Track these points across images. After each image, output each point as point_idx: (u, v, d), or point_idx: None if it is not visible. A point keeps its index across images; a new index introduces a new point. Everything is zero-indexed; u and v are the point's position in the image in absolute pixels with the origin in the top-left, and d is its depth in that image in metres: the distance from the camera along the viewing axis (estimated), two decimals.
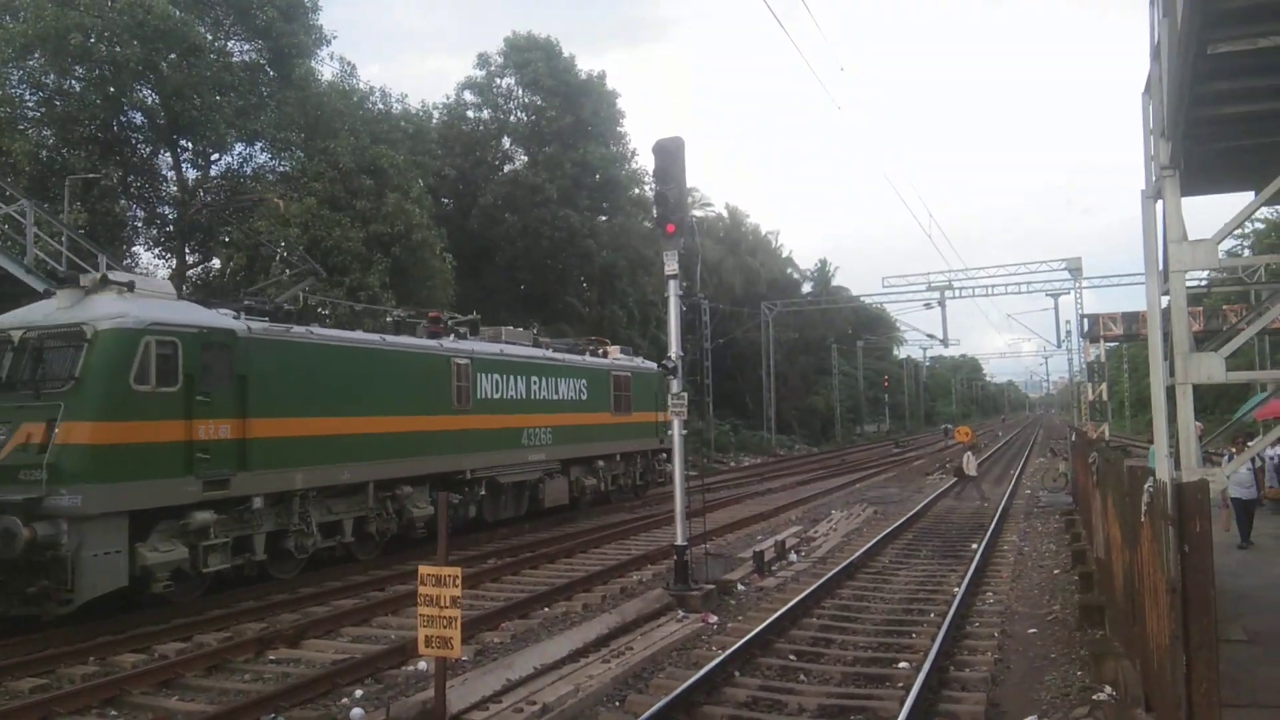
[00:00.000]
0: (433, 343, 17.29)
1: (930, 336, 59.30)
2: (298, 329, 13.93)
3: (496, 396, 18.68)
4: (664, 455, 25.20)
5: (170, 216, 29.56)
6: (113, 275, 12.51)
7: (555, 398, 21.05)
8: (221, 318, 12.79)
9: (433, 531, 11.86)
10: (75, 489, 10.44)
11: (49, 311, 11.94)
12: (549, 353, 21.52)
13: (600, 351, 24.54)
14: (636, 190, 44.77)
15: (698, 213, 58.80)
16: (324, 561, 14.53)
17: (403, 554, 15.61)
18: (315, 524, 13.86)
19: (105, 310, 11.52)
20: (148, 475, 11.25)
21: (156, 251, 30.50)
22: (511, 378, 19.36)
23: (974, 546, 16.29)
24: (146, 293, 12.41)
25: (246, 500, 12.56)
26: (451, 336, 18.30)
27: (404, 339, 16.76)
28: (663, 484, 25.47)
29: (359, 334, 16.15)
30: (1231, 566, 12.06)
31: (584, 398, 22.31)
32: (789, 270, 76.06)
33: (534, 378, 20.27)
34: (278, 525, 13.27)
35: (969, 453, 29.06)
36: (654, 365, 25.32)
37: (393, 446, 15.40)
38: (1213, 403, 39.40)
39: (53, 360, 11.37)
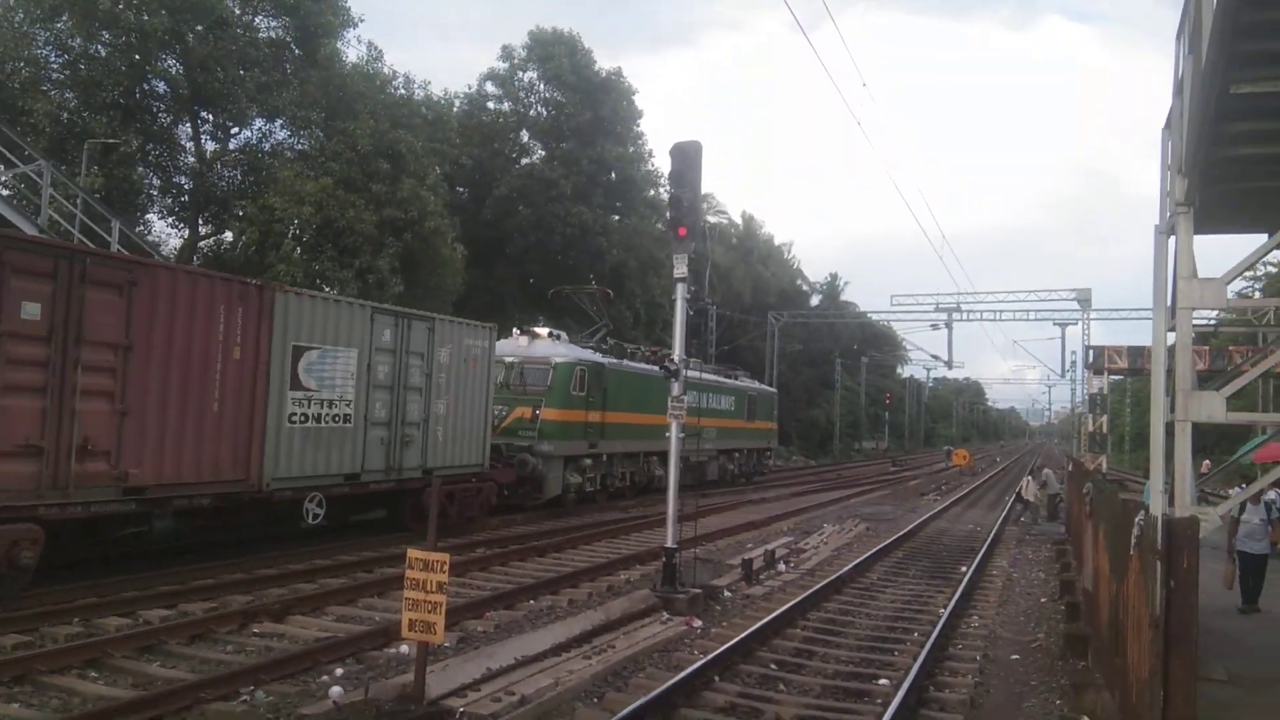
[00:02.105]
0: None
1: (935, 357, 59.39)
2: (627, 363, 24.58)
3: (694, 405, 24.87)
4: (769, 452, 39.70)
5: (186, 187, 29.65)
6: (544, 331, 23.12)
7: (719, 408, 31.15)
8: (597, 356, 23.07)
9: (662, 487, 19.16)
10: (549, 442, 20.72)
11: (522, 348, 21.99)
12: (717, 376, 31.90)
13: (735, 375, 34.98)
14: (651, 191, 44.78)
15: (711, 219, 58.90)
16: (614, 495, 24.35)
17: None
18: (624, 472, 24.61)
19: (556, 351, 22.05)
20: (572, 438, 21.74)
21: (170, 221, 30.65)
22: (699, 393, 26.83)
23: (963, 569, 16.27)
24: (567, 341, 23.08)
25: (603, 455, 23.23)
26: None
27: (652, 368, 23.48)
28: (764, 474, 38.00)
29: (644, 365, 24.74)
30: (1219, 605, 12.05)
31: (732, 409, 32.75)
32: (799, 282, 76.15)
33: (709, 393, 29.66)
34: (612, 471, 24.04)
35: (1028, 477, 28.99)
36: (770, 388, 41.15)
37: (651, 432, 24.14)
38: (1213, 443, 39.31)
39: (531, 376, 21.47)
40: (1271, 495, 19.89)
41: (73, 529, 11.31)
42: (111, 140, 24.93)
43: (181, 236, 30.59)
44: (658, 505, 21.31)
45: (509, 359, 21.24)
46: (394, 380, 15.77)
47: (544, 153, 43.00)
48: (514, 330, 23.33)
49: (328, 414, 14.41)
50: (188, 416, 12.15)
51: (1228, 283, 9.20)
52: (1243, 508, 12.58)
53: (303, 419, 13.96)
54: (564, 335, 23.78)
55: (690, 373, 26.80)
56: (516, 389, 21.33)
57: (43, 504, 10.44)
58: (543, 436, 20.84)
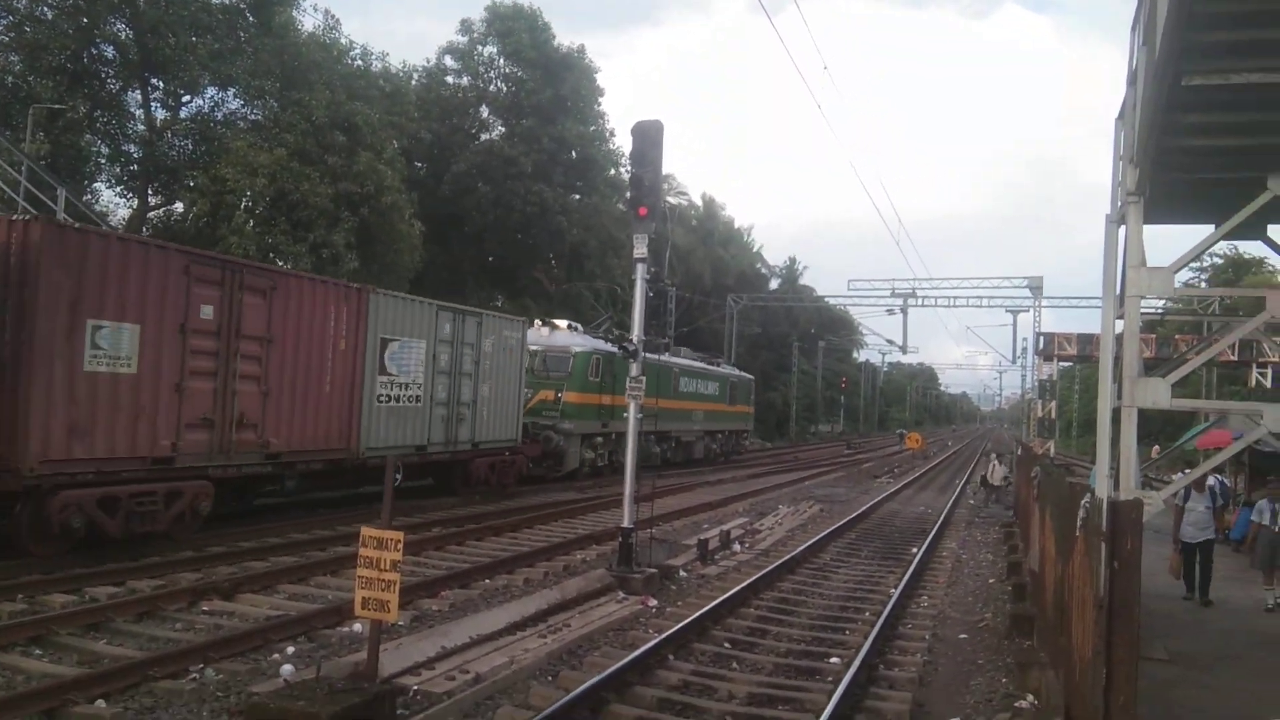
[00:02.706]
0: (665, 358, 28.73)
1: (890, 342, 60.10)
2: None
3: (686, 390, 32.56)
4: (747, 433, 43.92)
5: (136, 155, 28.92)
6: (563, 323, 26.58)
7: (705, 392, 34.92)
8: (609, 346, 25.85)
9: (669, 462, 28.66)
10: (569, 421, 23.96)
11: (545, 338, 25.09)
12: (705, 365, 35.80)
13: (717, 363, 38.89)
14: (612, 171, 44.51)
15: (672, 200, 58.82)
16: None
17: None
18: (618, 451, 25.96)
19: (575, 341, 25.82)
20: (589, 419, 25.33)
21: (118, 190, 29.89)
22: (690, 379, 32.91)
23: (914, 551, 16.53)
24: (583, 333, 26.78)
25: (612, 434, 26.18)
26: (667, 354, 30.09)
27: (654, 356, 24.84)
28: (741, 453, 41.87)
29: (647, 354, 29.09)
30: (1158, 588, 12.37)
31: (716, 394, 36.42)
32: (758, 265, 76.42)
33: (698, 379, 34.03)
34: (619, 448, 25.27)
35: (995, 461, 29.38)
36: (747, 375, 44.31)
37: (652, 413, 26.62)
38: (1158, 429, 40.28)
39: (553, 363, 24.97)
40: (1211, 482, 20.45)
41: (229, 486, 13.80)
42: (58, 106, 24.23)
43: (130, 206, 29.90)
44: (614, 486, 21.38)
45: (533, 347, 23.43)
46: (451, 366, 18.55)
47: (504, 129, 42.58)
48: (536, 321, 25.89)
49: (404, 395, 17.24)
50: (308, 396, 14.88)
51: (1175, 272, 9.39)
52: (1187, 495, 12.45)
53: (387, 399, 16.74)
54: (580, 327, 27.58)
55: (681, 360, 32.65)
56: (540, 374, 24.42)
57: (212, 465, 13.17)
58: (564, 416, 24.52)
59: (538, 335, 24.49)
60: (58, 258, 11.11)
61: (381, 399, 16.52)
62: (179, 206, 29.58)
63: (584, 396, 25.21)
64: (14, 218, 11.46)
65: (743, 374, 42.89)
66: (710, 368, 36.37)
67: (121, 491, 11.77)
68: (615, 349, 25.02)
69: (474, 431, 19.34)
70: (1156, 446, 30.62)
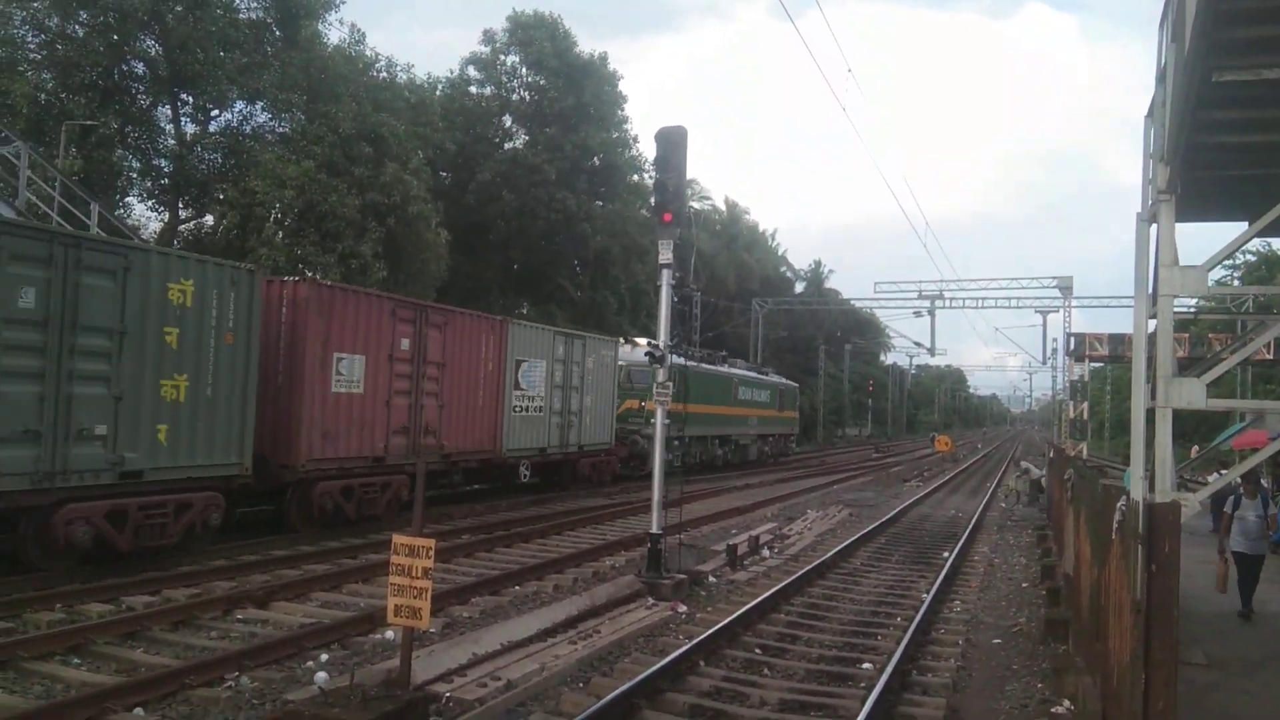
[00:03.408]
0: (726, 369, 35.66)
1: (918, 344, 59.60)
2: (702, 365, 31.23)
3: (739, 396, 36.47)
4: (794, 437, 48.01)
5: (166, 169, 29.32)
6: (646, 341, 24.26)
7: (759, 400, 39.30)
8: (681, 359, 27.23)
9: (729, 463, 34.65)
10: (650, 427, 21.68)
11: (628, 354, 27.19)
12: (758, 374, 40.11)
13: (767, 373, 42.84)
14: (635, 177, 44.56)
15: (696, 205, 58.80)
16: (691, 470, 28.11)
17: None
18: (697, 452, 30.93)
19: (638, 357, 23.65)
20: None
21: (150, 204, 30.30)
22: (746, 388, 37.22)
23: (945, 555, 16.40)
24: (642, 346, 26.48)
25: (685, 437, 26.59)
26: (727, 365, 36.44)
27: (717, 368, 34.23)
28: (789, 455, 45.76)
29: (710, 367, 32.67)
30: (1196, 591, 12.18)
31: (768, 401, 40.65)
32: (783, 269, 76.20)
33: (753, 388, 38.30)
34: (689, 450, 28.99)
35: (1029, 465, 29.60)
36: (793, 383, 48.60)
37: (717, 419, 32.84)
38: (1193, 429, 39.71)
39: (637, 376, 27.12)
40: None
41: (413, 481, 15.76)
42: (90, 122, 24.59)
43: (162, 220, 30.29)
44: (642, 491, 21.43)
45: (620, 363, 26.81)
46: (564, 381, 22.26)
47: (527, 138, 42.72)
48: (620, 340, 29.25)
49: (531, 406, 20.89)
50: (467, 408, 18.48)
51: (1208, 270, 9.26)
52: (1237, 501, 11.48)
53: (520, 410, 20.36)
54: (660, 344, 30.36)
55: (739, 371, 37.51)
56: (625, 386, 27.56)
57: (407, 463, 16.41)
58: (647, 423, 27.07)
59: (623, 352, 27.39)
60: (316, 307, 14.51)
61: (516, 410, 20.19)
62: (209, 219, 29.96)
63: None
64: (249, 267, 13.77)
65: (789, 382, 47.09)
66: (762, 377, 40.71)
67: (355, 483, 15.46)
68: (688, 363, 28.15)
69: (579, 436, 23.18)
70: (1196, 446, 30.16)
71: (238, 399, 12.98)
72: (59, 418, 10.64)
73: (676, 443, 27.95)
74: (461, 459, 18.48)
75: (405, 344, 16.51)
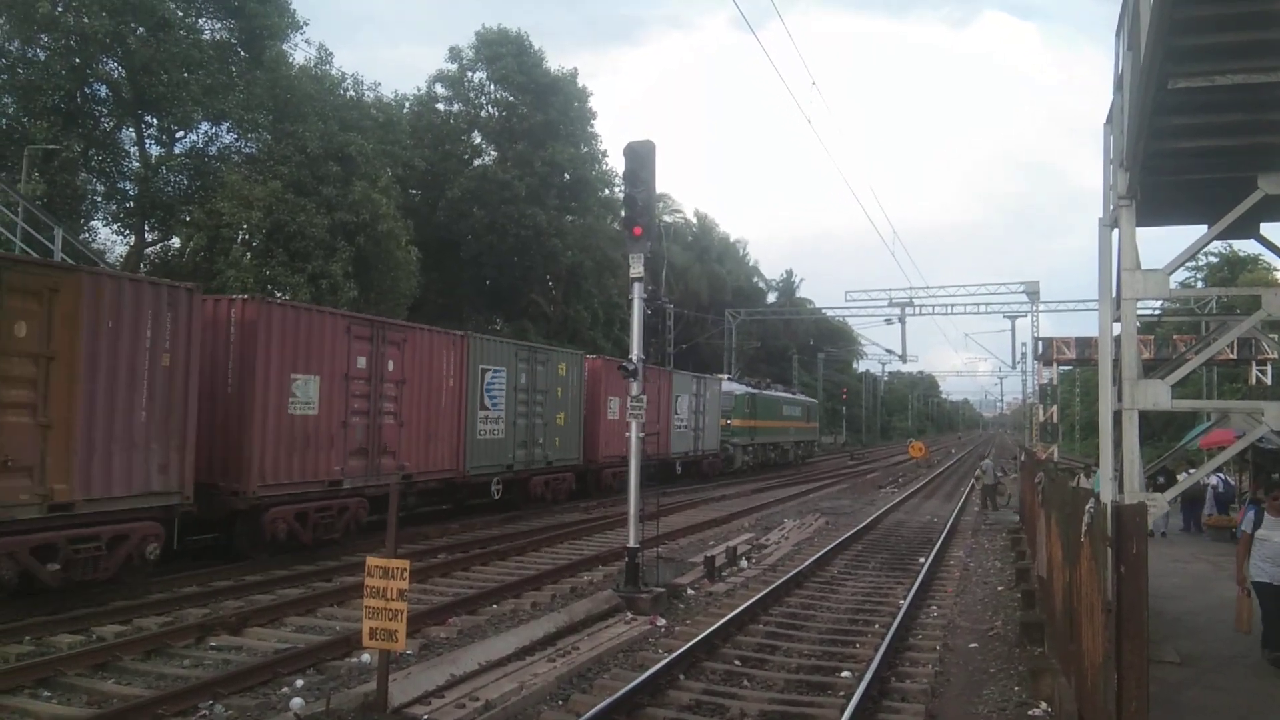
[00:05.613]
0: (775, 393, 46.77)
1: (890, 352, 60.27)
2: (765, 392, 44.76)
3: (784, 413, 47.52)
4: (815, 443, 57.93)
5: (131, 192, 29.03)
6: (726, 375, 42.60)
7: (793, 414, 49.60)
8: (751, 389, 42.49)
9: (778, 463, 46.91)
10: (735, 437, 38.99)
11: (728, 385, 39.74)
12: (790, 394, 51.00)
13: (794, 391, 54.05)
14: (605, 191, 44.71)
15: (667, 218, 59.02)
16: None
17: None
18: (762, 456, 43.59)
19: (735, 387, 40.75)
20: (744, 435, 40.46)
21: (115, 227, 29.99)
22: (786, 405, 48.28)
23: (921, 560, 16.49)
24: (738, 379, 43.94)
25: (756, 444, 42.52)
26: (773, 389, 47.39)
27: (770, 392, 45.53)
28: (812, 456, 55.19)
29: (771, 392, 45.77)
30: (1166, 589, 12.33)
31: (800, 414, 51.19)
32: (755, 279, 76.61)
33: (789, 405, 49.09)
34: (755, 455, 42.51)
35: (994, 469, 29.72)
36: (813, 399, 59.98)
37: (778, 431, 46.24)
38: (1160, 429, 40.24)
39: (725, 400, 37.56)
40: (1215, 481, 20.34)
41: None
42: (53, 146, 24.33)
43: (127, 243, 29.97)
44: (619, 505, 21.38)
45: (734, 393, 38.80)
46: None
47: (496, 154, 42.77)
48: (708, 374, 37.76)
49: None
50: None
51: (1170, 273, 9.43)
52: (1258, 519, 9.44)
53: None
54: (737, 377, 44.20)
55: (782, 394, 50.66)
56: (745, 414, 39.87)
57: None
58: (732, 434, 38.38)
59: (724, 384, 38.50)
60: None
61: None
62: (175, 242, 29.69)
63: (743, 421, 40.04)
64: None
65: (810, 399, 58.22)
66: (795, 396, 51.73)
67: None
68: (756, 390, 42.45)
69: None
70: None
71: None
72: None
73: (750, 448, 41.07)
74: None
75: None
